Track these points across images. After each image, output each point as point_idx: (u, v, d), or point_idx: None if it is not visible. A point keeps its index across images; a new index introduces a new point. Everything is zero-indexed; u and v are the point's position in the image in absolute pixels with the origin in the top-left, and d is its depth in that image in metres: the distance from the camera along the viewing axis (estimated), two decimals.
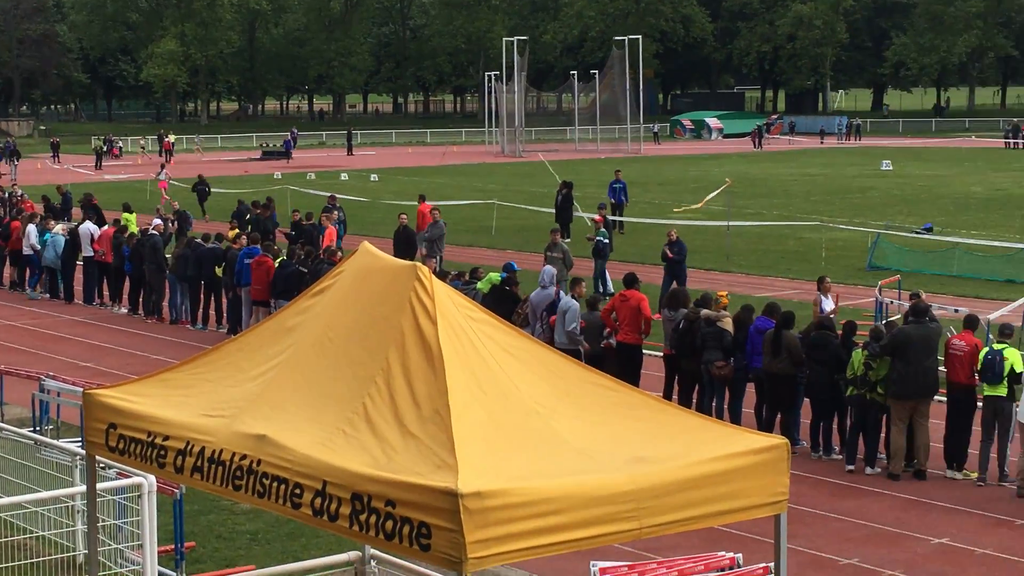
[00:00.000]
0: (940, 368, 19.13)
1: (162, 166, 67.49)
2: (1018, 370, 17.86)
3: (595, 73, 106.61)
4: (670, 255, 31.14)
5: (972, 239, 41.03)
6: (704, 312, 20.74)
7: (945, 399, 19.01)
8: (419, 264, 9.16)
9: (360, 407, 8.58)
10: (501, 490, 7.72)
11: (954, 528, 16.53)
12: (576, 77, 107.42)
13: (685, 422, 9.13)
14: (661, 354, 22.58)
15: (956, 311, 22.86)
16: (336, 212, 36.93)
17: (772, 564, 9.80)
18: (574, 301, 22.03)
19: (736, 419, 20.11)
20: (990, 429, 18.33)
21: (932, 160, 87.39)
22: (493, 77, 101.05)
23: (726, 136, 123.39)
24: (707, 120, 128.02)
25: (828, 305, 22.88)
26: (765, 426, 19.74)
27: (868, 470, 18.83)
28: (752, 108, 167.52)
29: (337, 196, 42.17)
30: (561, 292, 23.35)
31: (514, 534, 7.79)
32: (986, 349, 18.38)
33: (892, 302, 27.27)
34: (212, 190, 55.96)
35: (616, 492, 8.10)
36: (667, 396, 21.29)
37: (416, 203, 39.55)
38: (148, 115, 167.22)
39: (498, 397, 8.58)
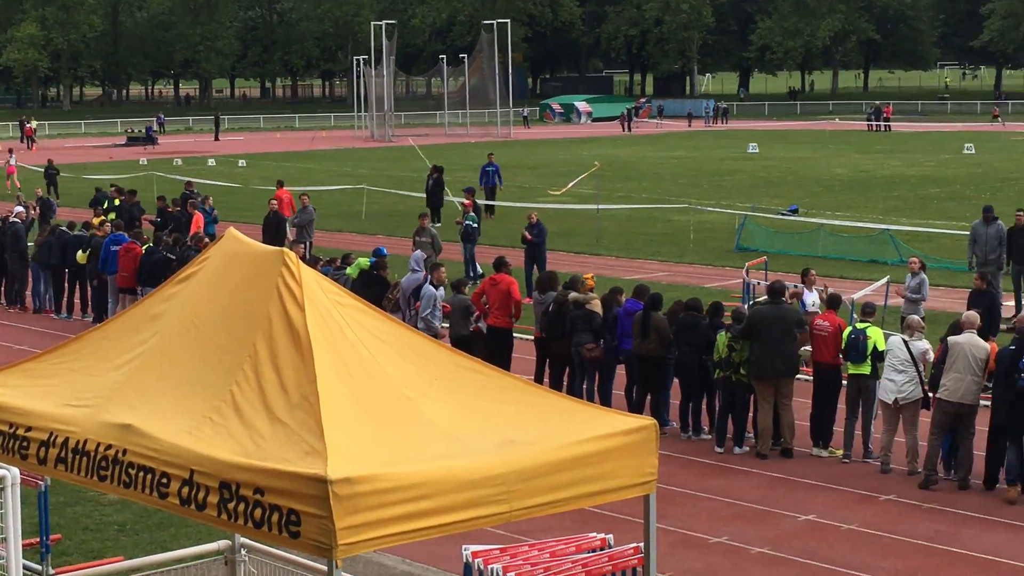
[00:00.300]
0: (807, 348, 19.45)
1: (10, 151, 66.00)
2: (881, 348, 18.17)
3: (464, 57, 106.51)
4: (529, 237, 31.24)
5: (836, 220, 41.74)
6: (572, 295, 20.84)
7: (811, 378, 19.32)
8: (286, 250, 9.08)
9: (227, 395, 8.50)
10: (371, 476, 7.70)
11: (821, 505, 16.79)
12: (445, 61, 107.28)
13: (555, 405, 9.17)
14: (532, 337, 22.65)
15: (822, 290, 23.13)
16: (200, 198, 36.36)
17: (643, 544, 9.87)
18: (430, 287, 21.99)
19: (606, 401, 20.24)
20: (854, 407, 18.65)
21: (797, 143, 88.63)
22: (361, 61, 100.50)
23: (595, 120, 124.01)
24: (576, 104, 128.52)
25: (811, 298, 22.16)
26: (635, 407, 19.90)
27: (737, 450, 19.06)
28: (621, 92, 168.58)
29: (207, 183, 41.70)
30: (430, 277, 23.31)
31: (384, 519, 7.77)
32: (849, 328, 18.68)
33: (759, 283, 27.59)
34: (72, 176, 54.95)
35: (486, 475, 8.11)
36: (538, 379, 21.37)
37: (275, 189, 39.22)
38: (9, 101, 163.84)
39: (367, 382, 8.55)
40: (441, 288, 22.13)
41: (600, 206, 42.93)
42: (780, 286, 19.66)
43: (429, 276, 22.65)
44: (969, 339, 17.27)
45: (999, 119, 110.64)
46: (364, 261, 24.56)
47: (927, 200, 51.45)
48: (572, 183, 51.41)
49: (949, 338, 17.59)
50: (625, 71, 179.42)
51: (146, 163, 71.39)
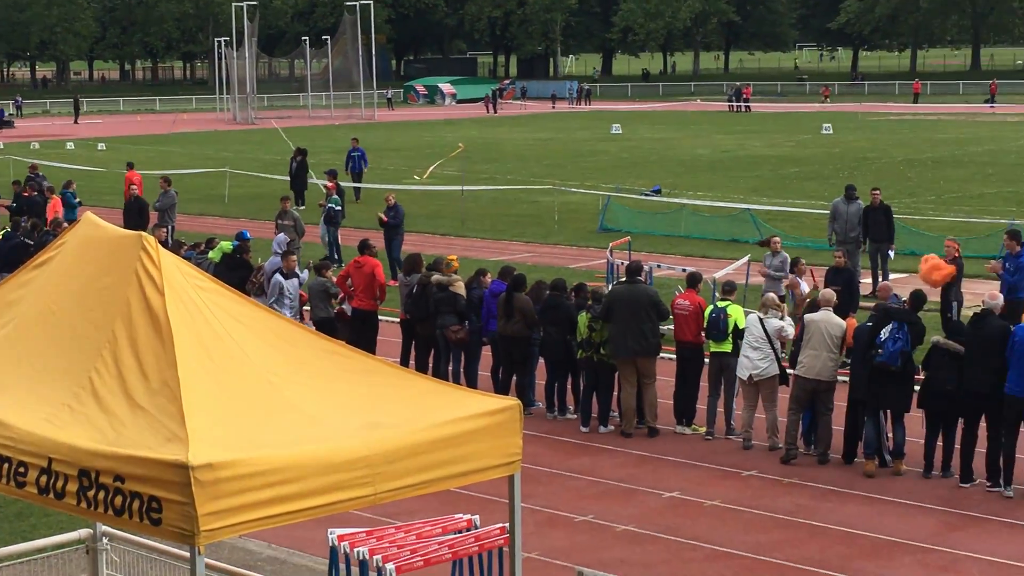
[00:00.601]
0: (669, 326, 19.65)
1: None
2: (741, 326, 18.42)
3: (327, 39, 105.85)
4: (385, 219, 31.15)
5: (699, 200, 42.18)
6: (435, 277, 20.83)
7: (674, 357, 19.54)
8: (144, 234, 8.95)
9: (87, 381, 8.37)
10: (233, 461, 7.64)
11: (684, 482, 16.99)
12: (308, 43, 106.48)
13: (419, 387, 9.17)
14: (397, 319, 22.62)
15: (683, 271, 23.40)
16: (46, 182, 35.54)
17: (508, 524, 9.92)
18: (278, 277, 21.75)
19: (472, 382, 20.27)
20: (716, 385, 18.89)
21: (660, 123, 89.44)
22: (223, 43, 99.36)
23: (460, 101, 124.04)
24: (440, 86, 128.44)
25: (807, 288, 22.06)
26: (501, 388, 19.97)
27: (602, 429, 19.21)
28: (485, 74, 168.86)
29: (66, 167, 40.97)
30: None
31: (248, 504, 7.72)
32: (711, 307, 18.91)
33: (623, 263, 27.79)
34: None
35: (350, 458, 8.09)
36: (403, 361, 21.35)
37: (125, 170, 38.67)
38: None
39: (229, 367, 8.47)
40: (295, 278, 21.81)
41: (465, 188, 42.95)
42: (637, 266, 19.81)
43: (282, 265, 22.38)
44: (825, 316, 17.57)
45: (828, 99, 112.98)
46: (227, 245, 24.32)
47: (787, 180, 52.21)
48: (434, 165, 51.33)
49: (805, 315, 17.92)
50: (489, 53, 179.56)
51: (2, 147, 69.95)
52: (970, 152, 62.42)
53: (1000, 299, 17.20)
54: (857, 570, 14.00)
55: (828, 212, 29.43)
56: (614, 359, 18.89)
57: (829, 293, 18.22)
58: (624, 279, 19.70)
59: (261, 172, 52.22)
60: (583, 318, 19.03)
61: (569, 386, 19.93)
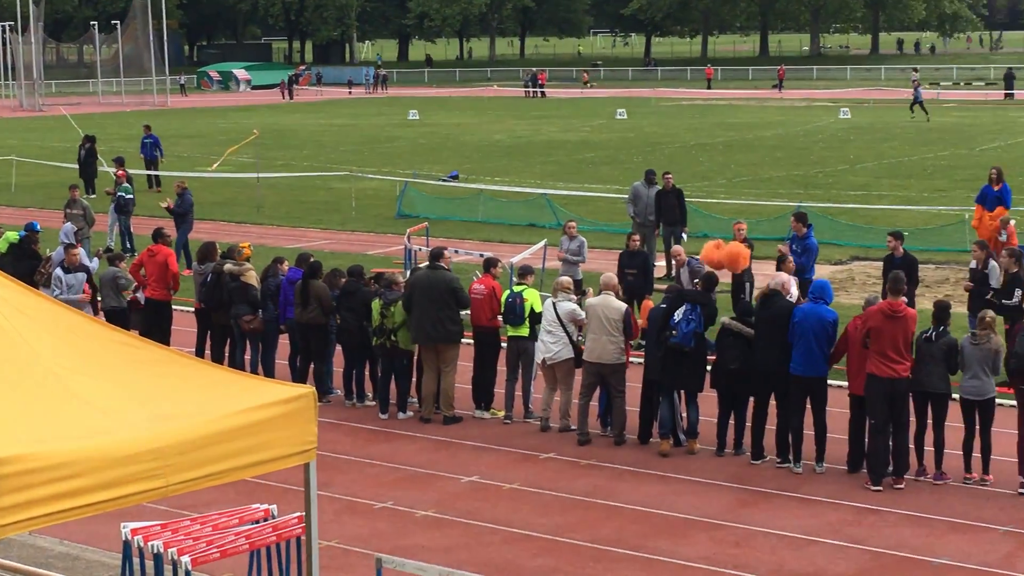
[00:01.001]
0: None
1: None
2: (538, 310, 18.55)
3: (117, 24, 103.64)
4: (171, 206, 30.65)
5: (496, 186, 42.41)
6: (228, 266, 20.55)
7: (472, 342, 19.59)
8: None
9: None
10: (18, 456, 7.45)
11: (484, 466, 17.06)
12: (97, 28, 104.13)
13: (211, 376, 9.06)
14: (192, 309, 22.28)
15: (481, 256, 23.48)
16: None
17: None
18: (59, 271, 21.15)
19: (270, 371, 20.10)
20: (514, 369, 18.99)
21: (457, 109, 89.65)
22: (7, 28, 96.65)
23: (255, 87, 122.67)
24: (235, 71, 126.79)
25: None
26: (299, 376, 19.81)
27: (401, 415, 19.17)
28: (280, 59, 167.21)
29: None
30: (83, 252, 22.60)
31: (35, 500, 7.55)
32: (507, 292, 19.01)
33: (421, 249, 27.80)
34: None
35: (140, 451, 7.96)
36: (199, 352, 21.06)
37: None
38: None
39: (13, 360, 8.26)
40: (80, 271, 21.12)
41: (260, 175, 42.50)
42: (438, 251, 19.80)
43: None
44: (603, 300, 17.78)
45: (588, 84, 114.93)
46: (13, 235, 23.67)
47: (583, 164, 52.76)
48: (228, 152, 50.66)
49: (586, 300, 18.12)
50: (284, 38, 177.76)
51: None
52: (760, 136, 63.87)
53: (785, 279, 17.59)
54: (653, 548, 14.22)
55: (625, 196, 29.82)
56: (416, 344, 18.88)
57: (609, 277, 18.36)
58: (424, 264, 19.66)
59: (49, 160, 50.96)
60: (376, 304, 18.97)
61: (367, 373, 19.86)
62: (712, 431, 17.38)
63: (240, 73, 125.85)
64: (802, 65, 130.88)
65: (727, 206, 36.57)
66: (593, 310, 17.72)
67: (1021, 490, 15.62)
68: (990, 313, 16.55)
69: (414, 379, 19.38)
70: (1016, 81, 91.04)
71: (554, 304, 18.22)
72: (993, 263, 20.52)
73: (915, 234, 30.13)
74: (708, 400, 17.62)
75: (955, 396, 16.22)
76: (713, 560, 13.87)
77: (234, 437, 8.42)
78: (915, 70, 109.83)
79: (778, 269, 19.36)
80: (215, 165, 48.39)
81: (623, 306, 17.74)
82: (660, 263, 28.21)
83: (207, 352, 21.03)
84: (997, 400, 16.21)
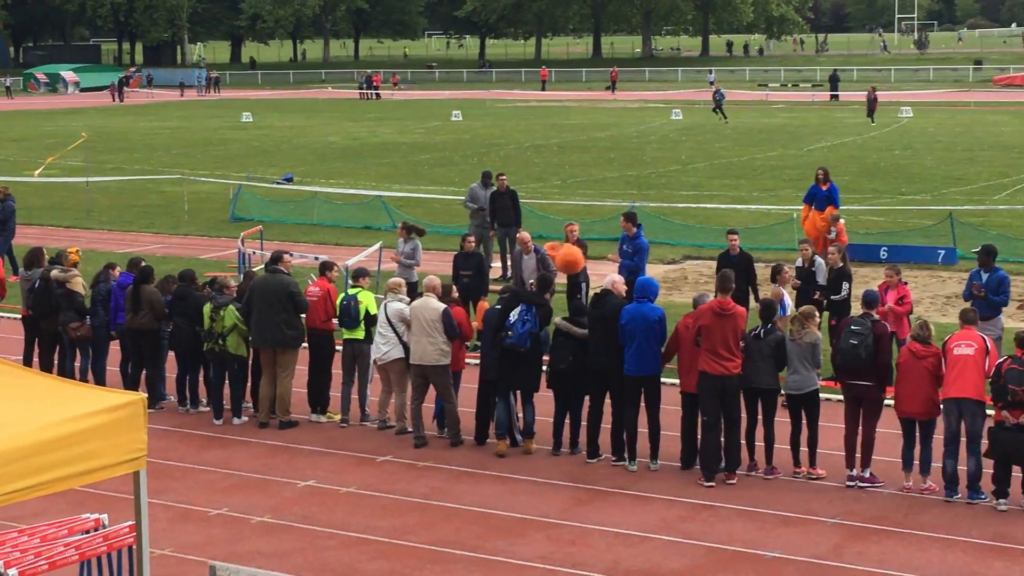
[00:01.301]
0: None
1: None
2: (372, 312, 18.50)
3: None
4: None
5: (331, 188, 42.20)
6: (54, 272, 20.14)
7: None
8: None
9: None
10: None
11: (320, 470, 16.95)
12: None
13: (36, 385, 8.88)
14: (20, 316, 21.81)
15: (316, 259, 23.34)
16: None
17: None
18: None
19: (100, 378, 19.76)
20: (350, 371, 18.90)
21: (291, 111, 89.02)
22: None
23: (84, 90, 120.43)
24: (63, 73, 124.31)
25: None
26: (131, 383, 19.50)
27: (236, 420, 18.97)
28: (110, 61, 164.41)
29: None
30: None
31: None
32: (342, 295, 18.92)
33: (255, 252, 27.58)
34: None
35: None
36: (27, 359, 20.63)
37: None
38: None
39: None
40: None
41: (90, 179, 41.75)
42: (277, 254, 19.62)
43: None
44: (423, 303, 17.79)
45: (398, 85, 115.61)
46: None
47: (418, 166, 52.75)
48: (49, 160, 49.59)
49: (411, 304, 18.08)
50: (113, 40, 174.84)
51: None
52: (593, 137, 64.45)
53: (616, 278, 17.73)
54: (490, 548, 14.27)
55: (461, 198, 29.84)
56: (255, 347, 18.72)
57: (430, 279, 18.33)
58: (262, 268, 19.46)
59: None
60: (207, 308, 18.75)
61: (201, 379, 19.61)
62: (548, 431, 17.49)
63: (68, 75, 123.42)
64: (635, 67, 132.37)
65: (562, 207, 36.84)
66: (414, 312, 17.74)
67: (849, 483, 15.98)
68: (805, 308, 16.92)
69: (249, 383, 19.19)
70: (841, 83, 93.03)
71: (385, 305, 18.21)
72: (820, 260, 20.96)
73: (746, 233, 30.65)
74: (544, 400, 17.72)
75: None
76: (550, 559, 13.95)
77: (61, 446, 8.25)
78: (711, 71, 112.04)
79: (773, 281, 19.23)
80: (36, 173, 47.25)
81: (441, 307, 17.72)
82: (496, 264, 28.31)
83: (35, 360, 20.60)
84: (824, 395, 16.56)
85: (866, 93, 72.48)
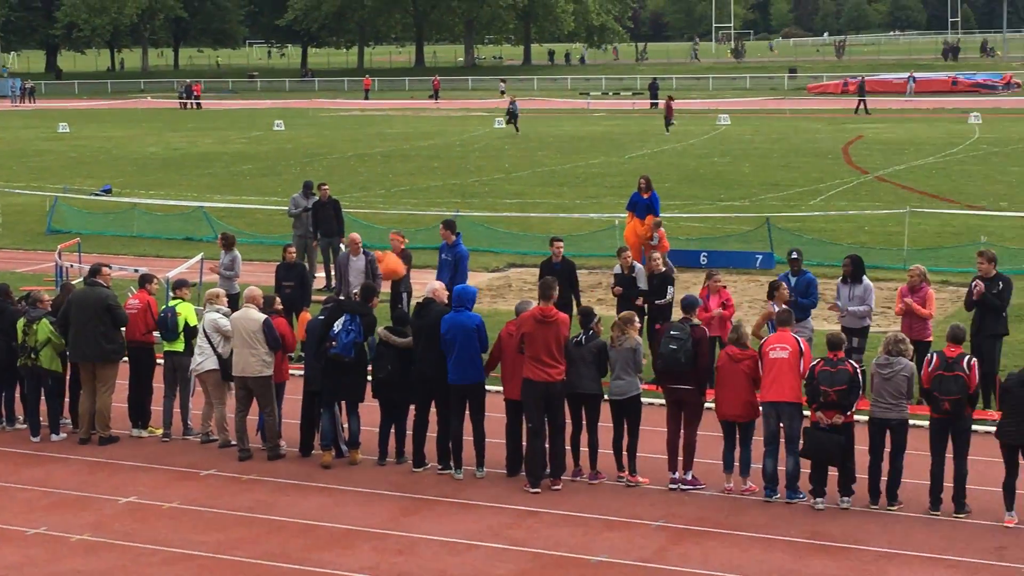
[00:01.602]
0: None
1: None
2: (193, 324, 18.28)
3: None
4: None
5: (151, 199, 41.57)
6: None
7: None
8: None
9: None
10: None
11: (142, 485, 16.68)
12: None
13: None
14: None
15: (136, 271, 22.95)
16: None
17: None
18: None
19: None
20: (172, 385, 18.58)
21: (109, 122, 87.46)
22: None
23: None
24: None
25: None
26: None
27: (54, 437, 18.58)
28: None
29: None
30: None
31: None
32: (163, 307, 18.66)
33: (72, 265, 27.04)
34: None
35: None
36: None
37: None
38: None
39: None
40: None
41: None
42: (96, 267, 19.21)
43: None
44: (243, 313, 17.65)
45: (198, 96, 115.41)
46: None
47: (240, 176, 52.23)
48: None
49: (232, 316, 17.90)
50: None
51: None
52: (416, 146, 64.43)
53: (438, 286, 17.75)
54: (316, 560, 14.18)
55: (284, 208, 29.59)
56: (75, 361, 18.37)
57: (252, 290, 18.03)
58: (80, 281, 19.11)
59: None
60: (20, 323, 18.35)
61: (17, 395, 19.17)
62: (374, 441, 17.45)
63: None
64: (457, 76, 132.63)
65: (386, 216, 36.78)
66: (234, 323, 17.60)
67: (671, 486, 16.22)
68: (624, 313, 17.16)
69: (68, 399, 18.82)
70: (660, 91, 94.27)
71: (202, 316, 18.06)
72: (639, 266, 21.25)
73: (569, 240, 30.90)
74: (370, 410, 17.66)
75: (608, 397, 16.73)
76: (377, 570, 13.92)
77: None
78: (503, 80, 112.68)
79: (770, 298, 19.12)
80: None
81: (262, 317, 17.55)
82: (320, 274, 28.16)
83: None
84: (646, 400, 16.79)
85: (663, 102, 73.32)
